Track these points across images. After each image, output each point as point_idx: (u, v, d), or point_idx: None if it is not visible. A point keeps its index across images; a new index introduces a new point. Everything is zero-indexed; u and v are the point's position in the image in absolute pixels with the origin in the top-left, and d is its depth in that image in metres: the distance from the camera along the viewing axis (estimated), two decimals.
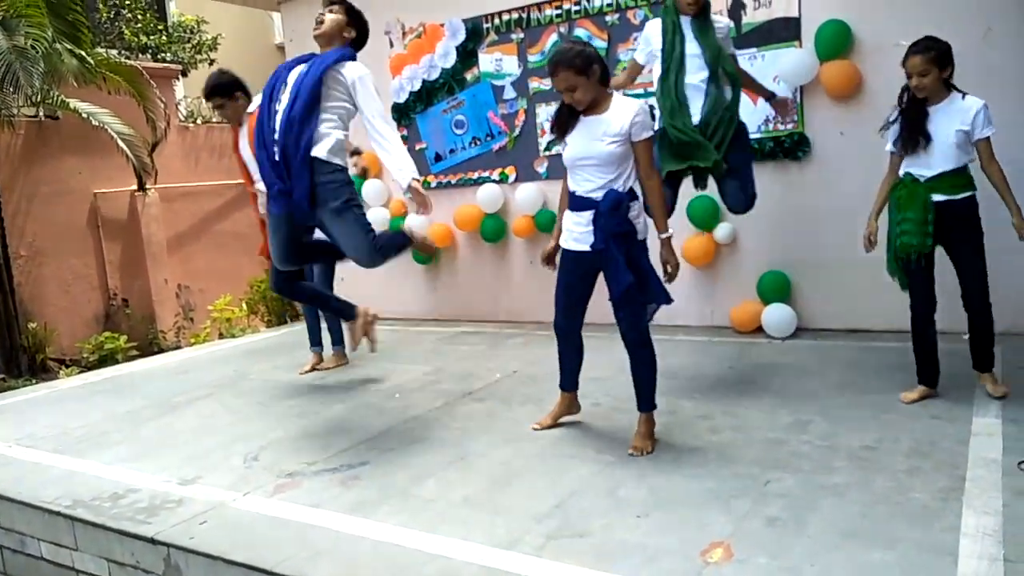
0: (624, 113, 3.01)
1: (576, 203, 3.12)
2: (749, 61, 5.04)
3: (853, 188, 4.88)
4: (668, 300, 3.16)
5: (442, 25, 6.29)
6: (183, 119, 9.45)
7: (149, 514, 2.89)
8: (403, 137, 6.63)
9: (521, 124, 6.05)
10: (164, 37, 10.31)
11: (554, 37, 5.79)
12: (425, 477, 3.07)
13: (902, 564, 2.15)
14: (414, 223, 5.80)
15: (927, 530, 2.32)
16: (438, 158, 6.54)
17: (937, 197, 3.30)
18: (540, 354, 4.95)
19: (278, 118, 3.32)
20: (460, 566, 2.33)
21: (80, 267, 8.28)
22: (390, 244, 3.64)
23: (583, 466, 3.04)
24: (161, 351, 7.47)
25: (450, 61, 6.31)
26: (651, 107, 3.36)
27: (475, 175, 6.34)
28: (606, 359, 4.62)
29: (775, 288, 5.03)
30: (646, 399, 3.19)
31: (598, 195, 3.04)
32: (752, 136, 5.08)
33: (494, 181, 6.22)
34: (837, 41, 4.69)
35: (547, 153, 5.97)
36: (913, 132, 3.30)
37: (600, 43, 5.58)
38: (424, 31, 6.42)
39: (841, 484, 2.68)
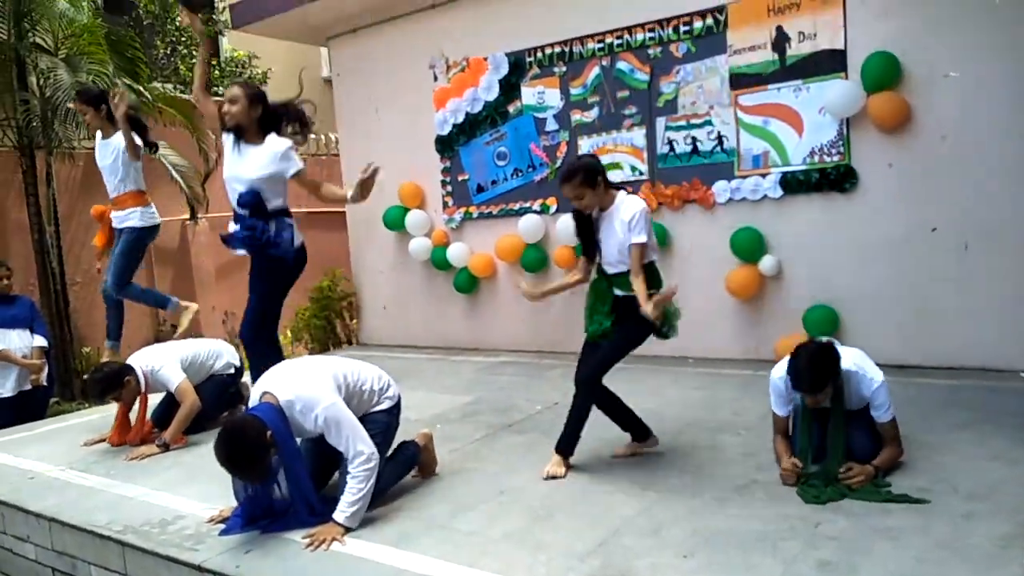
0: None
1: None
2: (794, 94, 5.02)
3: (902, 220, 4.80)
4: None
5: (485, 59, 6.40)
6: None
7: (196, 541, 2.93)
8: (445, 169, 6.79)
9: (563, 156, 6.09)
10: (217, 72, 10.68)
11: (596, 70, 5.84)
12: (466, 510, 3.06)
13: None
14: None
15: None
16: (480, 189, 6.61)
17: (617, 292, 3.36)
18: None
19: None
20: None
21: None
22: (389, 484, 3.19)
23: (626, 503, 3.00)
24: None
25: (493, 94, 6.40)
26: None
27: (516, 206, 6.39)
28: (651, 391, 4.57)
29: (823, 322, 4.92)
30: None
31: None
32: (797, 168, 5.06)
33: (535, 212, 6.26)
34: (884, 73, 4.64)
35: None
36: (586, 243, 3.40)
37: (643, 76, 5.62)
38: (468, 65, 6.53)
39: (895, 528, 2.60)
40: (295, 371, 3.04)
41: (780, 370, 3.16)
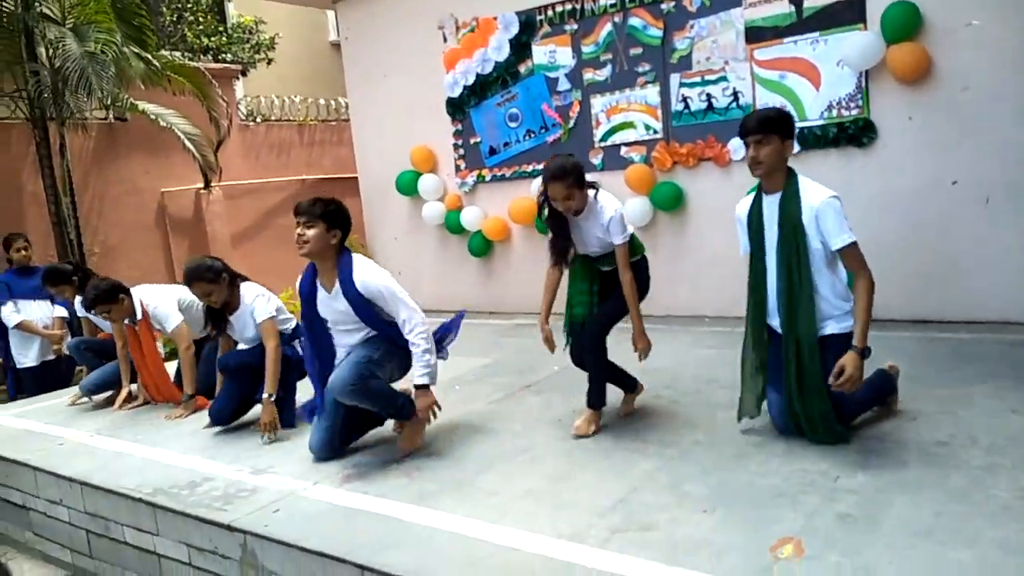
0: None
1: None
2: (811, 47, 4.92)
3: (922, 174, 4.73)
4: None
5: (495, 18, 6.31)
6: (243, 118, 9.69)
7: (225, 502, 3.00)
8: (457, 131, 6.74)
9: (576, 115, 6.03)
10: (224, 38, 10.60)
11: (608, 27, 5.74)
12: (487, 469, 3.11)
13: (982, 564, 2.09)
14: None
15: (1008, 530, 2.24)
16: (492, 151, 6.57)
17: (603, 268, 3.46)
18: None
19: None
20: (527, 557, 2.36)
21: (148, 263, 8.59)
22: (377, 394, 3.30)
23: (646, 460, 3.04)
24: None
25: (503, 54, 6.32)
26: None
27: (530, 168, 6.35)
28: (668, 350, 4.59)
29: None
30: None
31: None
32: (814, 122, 4.98)
33: None
34: (905, 23, 4.53)
35: (602, 144, 5.93)
36: (563, 243, 3.43)
37: (656, 32, 5.52)
38: (477, 25, 6.44)
39: (914, 481, 2.62)
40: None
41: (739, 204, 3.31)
